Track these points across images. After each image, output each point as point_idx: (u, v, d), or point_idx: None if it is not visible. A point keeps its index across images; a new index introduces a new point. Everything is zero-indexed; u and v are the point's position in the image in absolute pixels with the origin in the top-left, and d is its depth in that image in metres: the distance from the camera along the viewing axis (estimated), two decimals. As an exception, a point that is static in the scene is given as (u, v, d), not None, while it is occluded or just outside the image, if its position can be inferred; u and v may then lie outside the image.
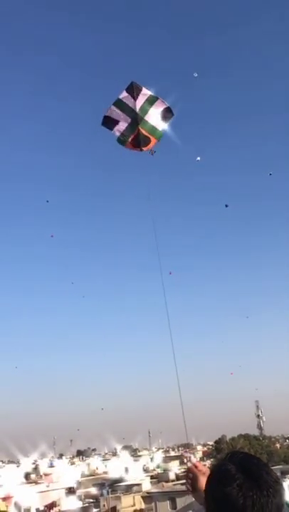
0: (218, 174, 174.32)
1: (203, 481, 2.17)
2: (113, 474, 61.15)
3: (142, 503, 45.92)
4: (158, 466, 72.54)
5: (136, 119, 8.01)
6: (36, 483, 53.69)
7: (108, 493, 47.26)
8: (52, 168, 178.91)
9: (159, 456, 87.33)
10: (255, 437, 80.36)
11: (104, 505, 45.32)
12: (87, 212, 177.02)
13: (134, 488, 50.11)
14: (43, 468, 71.15)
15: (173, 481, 51.65)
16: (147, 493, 47.19)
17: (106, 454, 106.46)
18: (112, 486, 52.54)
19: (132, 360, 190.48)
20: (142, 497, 46.77)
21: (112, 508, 43.92)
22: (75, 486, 56.58)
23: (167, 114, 8.17)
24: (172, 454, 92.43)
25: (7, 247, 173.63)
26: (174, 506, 41.17)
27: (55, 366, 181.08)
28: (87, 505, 47.98)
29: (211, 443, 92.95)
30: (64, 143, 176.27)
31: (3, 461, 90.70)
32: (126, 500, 45.31)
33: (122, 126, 8.10)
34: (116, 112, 8.04)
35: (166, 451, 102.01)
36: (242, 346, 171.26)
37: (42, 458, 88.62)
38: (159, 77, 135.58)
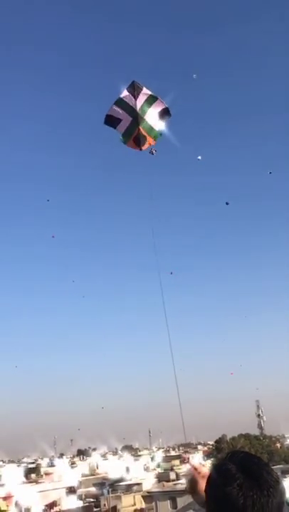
0: (218, 174, 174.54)
1: (203, 484, 2.16)
2: (113, 474, 61.13)
3: (143, 503, 45.96)
4: (158, 466, 72.57)
5: (136, 119, 8.03)
6: (37, 482, 53.70)
7: (109, 493, 47.29)
8: (52, 168, 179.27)
9: (159, 455, 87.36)
10: (256, 437, 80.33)
11: (104, 505, 45.37)
12: (87, 212, 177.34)
13: (135, 488, 50.16)
14: (44, 467, 71.24)
15: (173, 480, 51.69)
16: (148, 492, 47.23)
17: (106, 453, 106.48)
18: (113, 485, 52.57)
19: (132, 360, 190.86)
20: (143, 496, 46.82)
21: (113, 508, 43.96)
22: (75, 485, 56.64)
23: (165, 114, 8.19)
24: (173, 453, 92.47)
25: (7, 247, 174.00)
26: (174, 506, 41.20)
27: (55, 366, 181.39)
28: (87, 504, 48.03)
29: (211, 442, 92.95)
30: (64, 143, 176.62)
31: (3, 461, 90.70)
32: (126, 500, 45.36)
33: (124, 125, 8.12)
34: (117, 111, 8.06)
35: (167, 451, 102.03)
36: (242, 346, 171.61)
37: (42, 457, 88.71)
38: (159, 77, 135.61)
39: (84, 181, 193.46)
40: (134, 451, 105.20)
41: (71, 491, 52.26)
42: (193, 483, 2.24)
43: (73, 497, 49.63)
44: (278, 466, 47.44)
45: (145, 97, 8.00)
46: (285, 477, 31.46)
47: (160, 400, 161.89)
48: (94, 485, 56.32)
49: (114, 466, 67.41)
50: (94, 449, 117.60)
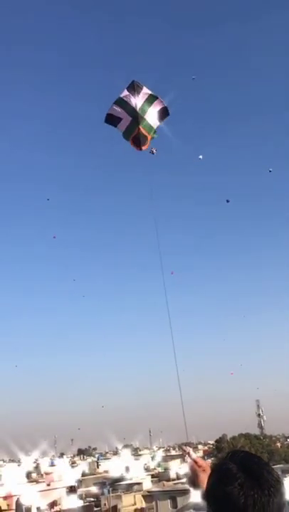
0: (218, 174, 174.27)
1: (203, 478, 2.15)
2: (114, 473, 61.18)
3: (143, 502, 45.99)
4: (159, 465, 72.63)
5: (136, 118, 8.04)
6: (37, 482, 53.70)
7: (109, 492, 47.31)
8: (52, 168, 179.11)
9: (159, 455, 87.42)
10: (256, 436, 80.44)
11: (105, 504, 45.38)
12: (87, 212, 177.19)
13: (135, 487, 50.20)
14: (44, 467, 71.21)
15: (174, 479, 51.74)
16: (148, 492, 47.27)
17: (107, 452, 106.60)
18: (113, 484, 52.60)
19: (132, 360, 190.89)
20: (143, 496, 46.85)
21: (113, 507, 43.97)
22: (76, 484, 56.66)
23: (164, 113, 8.20)
24: (173, 453, 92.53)
25: (7, 247, 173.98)
26: (174, 505, 41.23)
27: (55, 366, 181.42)
28: (88, 504, 48.04)
29: (211, 442, 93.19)
30: (64, 143, 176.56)
31: (4, 460, 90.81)
32: (127, 499, 45.38)
33: (125, 124, 8.13)
34: (118, 111, 8.07)
35: (167, 450, 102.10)
36: (242, 346, 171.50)
37: (43, 457, 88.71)
38: (159, 77, 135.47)
39: (84, 181, 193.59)
40: (134, 450, 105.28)
41: (71, 490, 52.28)
42: (193, 476, 2.25)
43: (74, 496, 49.63)
44: (278, 466, 47.44)
45: (145, 97, 8.01)
46: (286, 476, 31.47)
47: (160, 399, 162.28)
48: (94, 484, 56.35)
49: (114, 466, 67.49)
50: (94, 449, 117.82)
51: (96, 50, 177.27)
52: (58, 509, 44.95)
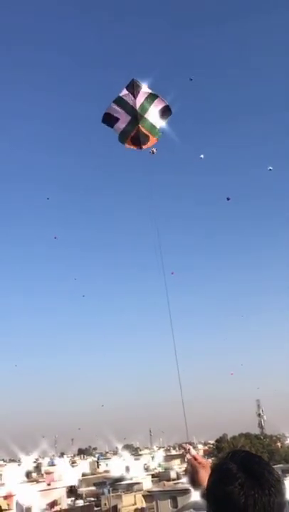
0: (218, 174, 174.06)
1: (203, 475, 2.14)
2: (114, 473, 61.22)
3: (143, 502, 46.00)
4: (159, 465, 72.65)
5: (136, 117, 8.01)
6: (37, 481, 53.75)
7: (109, 492, 47.33)
8: (52, 168, 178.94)
9: (160, 455, 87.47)
10: (256, 436, 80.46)
11: (105, 504, 45.41)
12: (87, 212, 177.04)
13: (135, 487, 50.21)
14: (45, 466, 71.27)
15: (174, 479, 51.72)
16: (148, 491, 47.27)
17: (107, 452, 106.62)
18: (113, 484, 52.63)
19: (132, 360, 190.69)
20: (143, 496, 46.87)
21: (113, 507, 43.98)
22: (76, 484, 56.70)
23: (166, 112, 8.16)
24: (173, 452, 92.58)
25: (7, 247, 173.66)
26: (174, 505, 41.20)
27: (56, 366, 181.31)
28: (88, 503, 48.07)
29: (212, 442, 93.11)
30: (64, 143, 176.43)
31: (4, 460, 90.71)
32: (127, 499, 45.40)
33: (122, 123, 8.10)
34: (116, 110, 8.04)
35: (167, 450, 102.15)
36: (242, 346, 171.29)
37: (43, 457, 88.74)
38: (159, 77, 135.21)
39: (84, 181, 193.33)
40: (134, 450, 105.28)
41: (72, 490, 52.35)
42: (192, 472, 2.22)
43: (74, 496, 49.68)
44: (279, 466, 47.42)
45: (145, 96, 7.98)
46: (286, 476, 31.46)
47: (160, 399, 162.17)
48: (94, 484, 56.37)
49: (114, 466, 67.54)
50: (94, 449, 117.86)
51: (96, 50, 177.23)
52: (58, 509, 44.98)
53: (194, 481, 2.18)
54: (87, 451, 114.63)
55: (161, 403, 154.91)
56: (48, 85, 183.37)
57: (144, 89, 7.98)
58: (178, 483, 46.76)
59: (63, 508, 45.47)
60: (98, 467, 75.17)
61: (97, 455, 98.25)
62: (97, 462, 79.63)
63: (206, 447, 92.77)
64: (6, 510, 41.85)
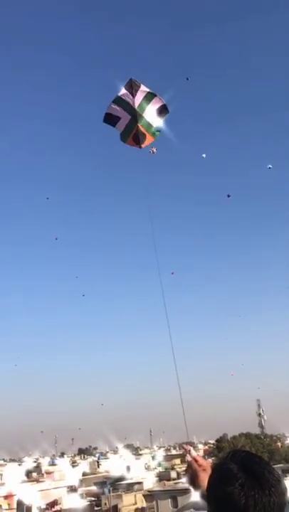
0: (218, 174, 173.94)
1: (203, 477, 2.10)
2: (115, 473, 61.22)
3: (144, 502, 46.00)
4: (159, 465, 72.65)
5: (135, 116, 8.01)
6: (38, 481, 53.80)
7: (110, 492, 47.34)
8: (52, 167, 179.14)
9: (160, 454, 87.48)
10: (257, 436, 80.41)
11: (105, 504, 45.40)
12: (87, 212, 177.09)
13: (136, 487, 50.20)
14: (45, 466, 71.35)
15: (174, 479, 51.72)
16: (149, 491, 47.26)
17: (107, 452, 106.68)
18: (114, 484, 52.63)
19: (132, 359, 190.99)
20: (144, 495, 46.86)
21: (114, 507, 43.98)
22: (76, 484, 56.70)
23: (163, 111, 8.15)
24: (174, 452, 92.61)
25: (7, 247, 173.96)
26: (175, 505, 41.21)
27: (56, 366, 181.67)
28: (88, 503, 48.04)
29: (212, 441, 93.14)
30: (64, 143, 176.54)
31: (4, 460, 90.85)
32: (127, 499, 45.39)
33: (123, 123, 8.10)
34: (116, 109, 8.04)
35: (168, 450, 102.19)
36: (242, 346, 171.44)
37: (43, 456, 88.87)
38: (158, 76, 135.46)
39: (84, 181, 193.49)
40: (135, 450, 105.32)
41: (72, 489, 52.35)
42: (193, 475, 2.20)
43: (74, 496, 49.68)
44: (279, 466, 47.40)
45: (143, 94, 7.97)
46: (286, 476, 31.48)
47: (161, 399, 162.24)
48: (95, 484, 56.37)
49: (115, 465, 67.55)
50: (95, 448, 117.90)
51: (96, 50, 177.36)
52: (59, 508, 44.97)
53: (194, 483, 2.16)
54: (88, 451, 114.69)
55: (161, 403, 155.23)
56: (48, 85, 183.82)
57: (142, 87, 7.98)
58: (178, 482, 46.75)
59: (63, 507, 45.47)
60: (98, 467, 75.19)
61: (97, 455, 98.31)
62: (98, 462, 79.67)
63: (207, 447, 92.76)
64: (6, 509, 41.89)
